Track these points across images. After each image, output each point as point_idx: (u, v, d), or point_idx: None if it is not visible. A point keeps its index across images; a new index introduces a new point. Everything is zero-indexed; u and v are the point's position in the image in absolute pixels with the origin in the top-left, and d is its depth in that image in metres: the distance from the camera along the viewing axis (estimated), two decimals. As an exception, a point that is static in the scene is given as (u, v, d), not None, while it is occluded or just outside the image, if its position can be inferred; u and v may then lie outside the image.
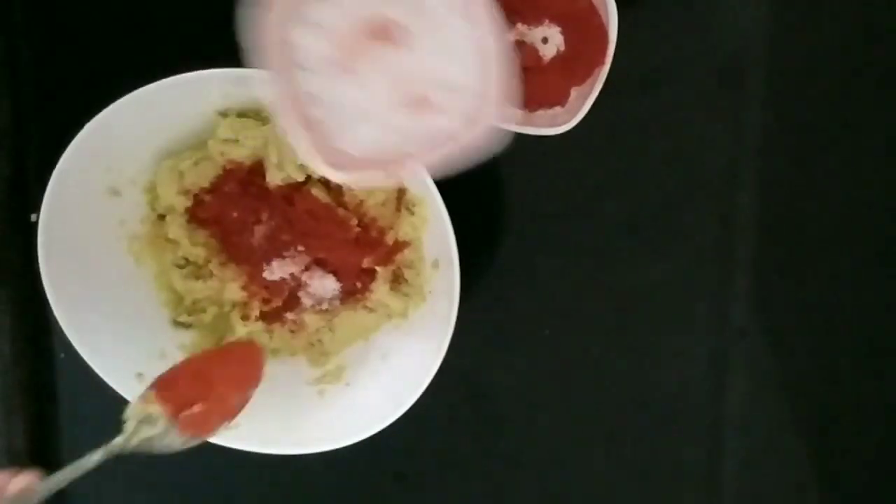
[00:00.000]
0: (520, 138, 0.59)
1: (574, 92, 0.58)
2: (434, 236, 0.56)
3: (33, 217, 0.60)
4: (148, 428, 0.48)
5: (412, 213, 0.58)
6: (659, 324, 0.61)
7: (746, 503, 0.62)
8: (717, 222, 0.59)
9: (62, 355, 0.61)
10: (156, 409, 0.48)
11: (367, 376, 0.59)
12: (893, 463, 0.62)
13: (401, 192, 0.58)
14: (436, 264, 0.57)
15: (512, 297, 0.61)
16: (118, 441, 0.47)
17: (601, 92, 0.58)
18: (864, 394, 0.61)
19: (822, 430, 0.62)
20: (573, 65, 0.58)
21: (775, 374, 0.61)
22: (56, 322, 0.57)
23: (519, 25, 0.58)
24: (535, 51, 0.58)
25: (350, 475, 0.63)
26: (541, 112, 0.59)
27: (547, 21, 0.58)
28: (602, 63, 0.57)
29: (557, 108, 0.59)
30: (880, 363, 0.61)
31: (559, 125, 0.58)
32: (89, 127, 0.52)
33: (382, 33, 0.43)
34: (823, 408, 0.62)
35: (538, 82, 0.58)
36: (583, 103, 0.57)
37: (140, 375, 0.55)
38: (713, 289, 0.61)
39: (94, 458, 0.46)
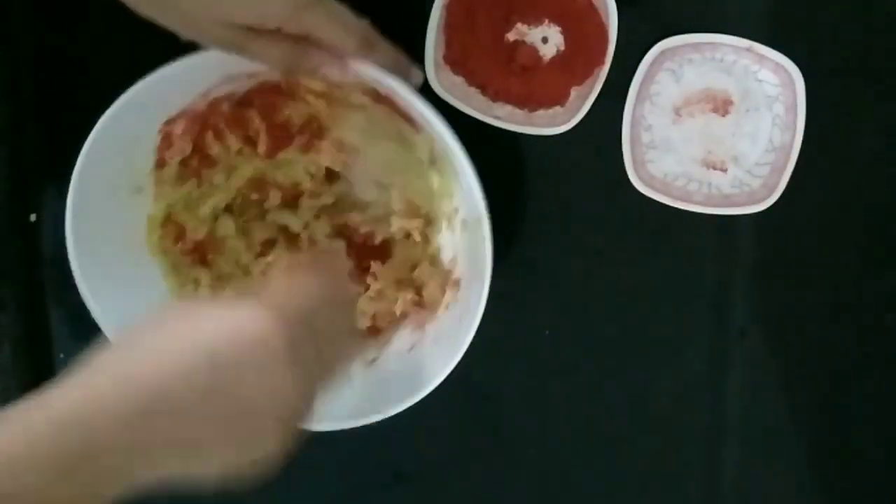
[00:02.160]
0: (520, 138, 0.59)
1: (574, 92, 0.58)
2: (461, 192, 0.56)
3: (33, 217, 0.60)
4: None
5: (441, 176, 0.58)
6: (659, 324, 0.61)
7: (746, 503, 0.62)
8: (718, 222, 0.59)
9: (62, 355, 0.61)
10: None
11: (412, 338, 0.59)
12: (893, 463, 0.62)
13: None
14: (465, 226, 0.57)
15: (512, 297, 0.61)
16: None
17: (601, 92, 0.58)
18: (863, 393, 0.61)
19: (822, 430, 0.62)
20: (573, 65, 0.58)
21: (775, 374, 0.61)
22: (55, 322, 0.57)
23: (519, 25, 0.58)
24: (535, 50, 0.58)
25: (350, 475, 0.63)
26: (541, 112, 0.59)
27: (547, 21, 0.58)
28: (602, 63, 0.57)
29: (557, 108, 0.59)
30: (880, 363, 0.61)
31: (559, 125, 0.58)
32: (102, 122, 0.51)
33: (714, 101, 0.58)
34: (823, 408, 0.62)
35: (538, 82, 0.59)
36: (583, 103, 0.58)
37: None
38: (713, 289, 0.61)
39: None
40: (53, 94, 0.60)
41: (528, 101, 0.59)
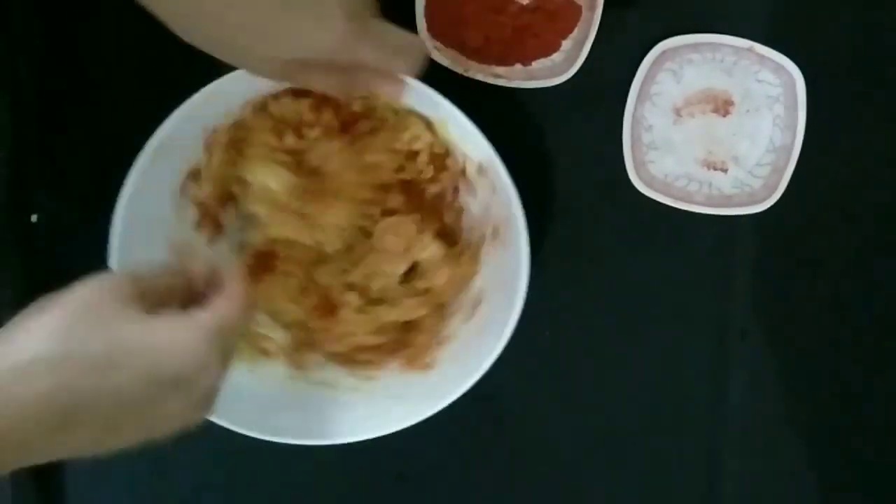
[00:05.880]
0: (519, 140, 0.59)
1: (570, 40, 0.58)
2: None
3: (33, 218, 0.60)
4: None
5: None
6: (659, 324, 0.61)
7: (746, 503, 0.62)
8: (718, 222, 0.59)
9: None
10: None
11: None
12: (893, 463, 0.62)
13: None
14: (481, 170, 0.56)
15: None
16: None
17: (603, 93, 0.58)
18: (863, 393, 0.62)
19: (822, 430, 0.62)
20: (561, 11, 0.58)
21: (775, 374, 0.61)
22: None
23: None
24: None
25: (352, 475, 0.63)
26: (538, 64, 0.59)
27: None
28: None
29: (555, 58, 0.59)
30: (880, 363, 0.61)
31: (559, 75, 0.58)
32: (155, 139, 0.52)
33: (715, 102, 0.58)
34: (823, 408, 0.62)
35: (528, 34, 0.58)
36: (580, 50, 0.57)
37: None
38: (713, 289, 0.61)
39: None
40: (53, 94, 0.60)
41: (525, 56, 0.59)
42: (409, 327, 0.59)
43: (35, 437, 0.36)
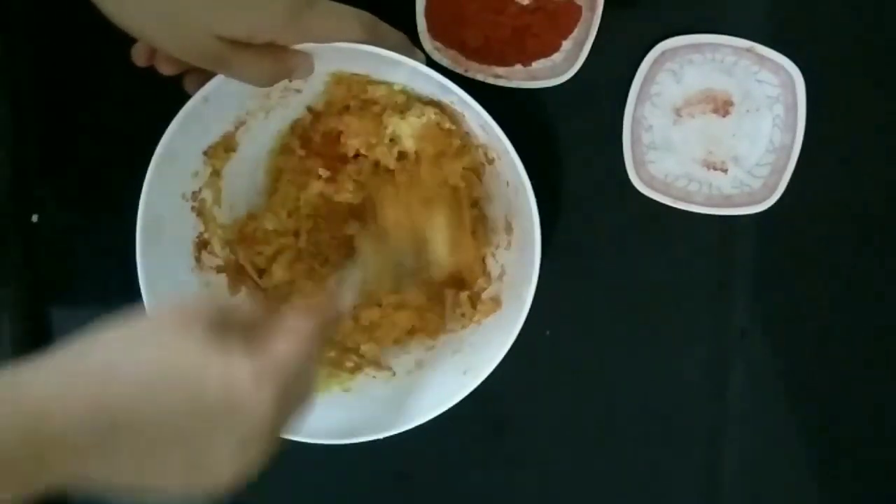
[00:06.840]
0: (519, 140, 0.59)
1: (570, 40, 0.58)
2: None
3: (34, 218, 0.60)
4: None
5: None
6: (659, 324, 0.61)
7: (746, 503, 0.62)
8: (718, 222, 0.59)
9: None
10: None
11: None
12: (893, 463, 0.62)
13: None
14: (509, 228, 0.57)
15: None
16: None
17: (603, 92, 0.58)
18: (864, 394, 0.62)
19: (822, 430, 0.62)
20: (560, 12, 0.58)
21: (775, 374, 0.61)
22: (55, 322, 0.57)
23: None
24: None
25: (351, 474, 0.63)
26: (538, 64, 0.59)
27: None
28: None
29: (555, 58, 0.59)
30: (880, 363, 0.61)
31: (559, 75, 0.58)
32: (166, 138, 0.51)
33: (714, 102, 0.58)
34: (823, 408, 0.62)
35: (529, 34, 0.58)
36: (580, 51, 0.57)
37: None
38: (713, 289, 0.61)
39: None
40: (53, 94, 0.60)
41: (524, 56, 0.59)
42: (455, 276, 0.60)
43: (73, 453, 0.35)
